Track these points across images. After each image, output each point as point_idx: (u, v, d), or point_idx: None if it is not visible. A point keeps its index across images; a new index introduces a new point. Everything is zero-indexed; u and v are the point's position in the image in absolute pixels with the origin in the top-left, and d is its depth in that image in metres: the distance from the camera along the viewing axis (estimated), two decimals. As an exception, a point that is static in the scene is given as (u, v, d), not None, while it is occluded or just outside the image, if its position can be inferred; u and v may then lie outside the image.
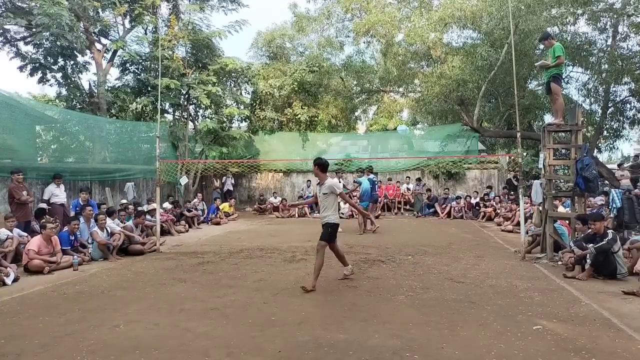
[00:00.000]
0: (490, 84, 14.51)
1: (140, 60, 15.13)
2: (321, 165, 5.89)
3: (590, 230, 6.32)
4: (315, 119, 20.48)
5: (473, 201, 15.32)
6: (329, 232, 5.73)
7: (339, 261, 6.09)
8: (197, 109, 16.79)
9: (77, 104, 14.41)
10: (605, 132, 15.92)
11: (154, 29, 15.37)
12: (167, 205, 12.25)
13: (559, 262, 6.90)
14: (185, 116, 16.22)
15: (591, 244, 6.02)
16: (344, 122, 22.44)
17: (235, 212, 15.29)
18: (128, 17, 14.93)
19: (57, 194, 9.50)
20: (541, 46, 13.94)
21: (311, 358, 3.45)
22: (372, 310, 4.67)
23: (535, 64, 9.36)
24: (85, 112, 13.76)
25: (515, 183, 12.94)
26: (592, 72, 14.23)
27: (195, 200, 14.33)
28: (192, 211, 13.09)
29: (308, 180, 17.62)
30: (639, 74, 13.32)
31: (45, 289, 5.79)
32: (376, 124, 25.57)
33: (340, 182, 12.77)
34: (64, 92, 14.39)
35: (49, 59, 13.36)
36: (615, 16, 13.34)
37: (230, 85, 17.37)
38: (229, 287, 5.71)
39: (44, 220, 7.33)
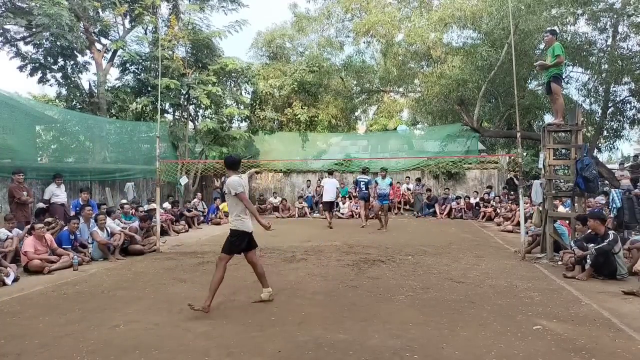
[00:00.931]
0: (490, 84, 14.50)
1: (140, 60, 15.12)
2: (226, 163, 5.11)
3: (589, 230, 6.33)
4: (315, 119, 20.47)
5: (473, 201, 15.33)
6: (231, 242, 4.90)
7: (258, 280, 5.15)
8: (197, 109, 16.78)
9: (77, 104, 14.41)
10: (605, 132, 15.90)
11: (154, 29, 15.37)
12: (166, 205, 12.25)
13: (559, 262, 6.91)
14: (185, 116, 16.22)
15: (592, 244, 6.02)
16: (344, 122, 22.43)
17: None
18: (128, 17, 14.93)
19: (58, 193, 9.50)
20: (541, 45, 13.97)
21: (311, 358, 3.46)
22: (372, 310, 4.67)
23: (535, 64, 9.38)
24: (85, 112, 13.76)
25: (516, 182, 12.94)
26: (592, 72, 14.20)
27: (195, 200, 14.34)
28: (192, 211, 13.10)
29: (308, 180, 17.62)
30: (639, 74, 13.31)
31: (45, 289, 5.79)
32: (376, 124, 25.56)
33: (330, 181, 13.17)
34: (64, 92, 14.39)
35: (49, 59, 13.36)
36: (615, 16, 13.33)
37: (230, 85, 17.37)
38: (229, 287, 5.70)
39: (35, 221, 7.35)
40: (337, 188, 13.21)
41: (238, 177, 4.91)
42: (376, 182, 12.23)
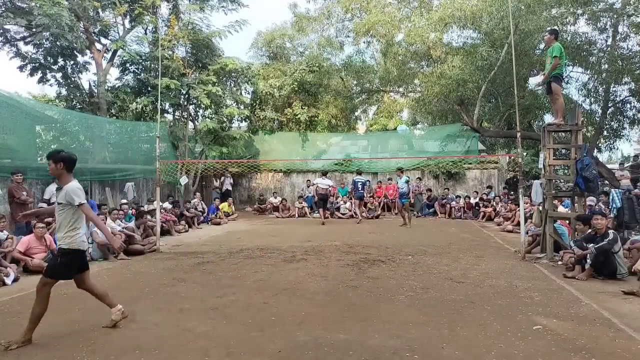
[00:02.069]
0: (490, 84, 14.48)
1: (140, 60, 15.12)
2: (68, 162, 4.10)
3: (590, 230, 6.32)
4: (315, 119, 20.48)
5: (473, 201, 15.34)
6: (58, 264, 3.94)
7: (102, 302, 4.22)
8: (197, 109, 16.78)
9: (77, 104, 14.42)
10: (605, 132, 15.88)
11: (154, 29, 15.36)
12: (167, 205, 12.26)
13: (559, 262, 6.91)
14: (185, 116, 16.22)
15: (592, 244, 6.02)
16: (344, 122, 22.44)
17: (235, 212, 15.31)
18: (128, 17, 14.93)
19: (58, 193, 9.50)
20: (541, 45, 13.91)
21: (311, 358, 3.45)
22: (372, 310, 4.67)
23: (538, 84, 9.28)
24: (85, 112, 13.77)
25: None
26: (592, 72, 14.18)
27: (195, 200, 14.35)
28: (192, 211, 13.11)
29: (307, 180, 17.62)
30: (639, 74, 13.30)
31: (45, 289, 5.78)
32: (376, 124, 25.58)
33: (324, 181, 14.19)
34: (64, 92, 14.40)
35: (49, 59, 13.37)
36: (615, 16, 13.31)
37: (230, 85, 17.36)
38: (229, 287, 5.70)
39: (34, 221, 7.35)
40: (329, 186, 14.22)
41: (77, 182, 4.12)
42: (397, 181, 13.47)
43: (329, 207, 15.48)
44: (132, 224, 9.09)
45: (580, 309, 4.66)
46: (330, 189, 14.32)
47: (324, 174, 15.01)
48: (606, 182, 12.46)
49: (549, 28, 8.64)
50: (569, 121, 7.73)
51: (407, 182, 13.08)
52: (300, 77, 18.91)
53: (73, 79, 14.16)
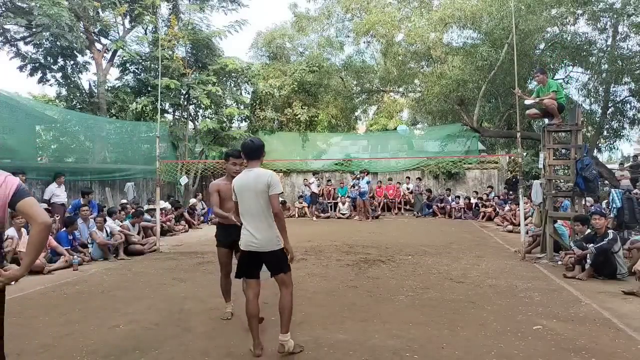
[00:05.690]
0: (490, 84, 14.47)
1: (140, 60, 15.12)
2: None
3: (590, 230, 6.32)
4: (315, 119, 20.46)
5: (473, 201, 15.34)
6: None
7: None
8: (197, 109, 16.78)
9: (77, 104, 14.42)
10: (605, 132, 15.88)
11: (154, 29, 15.37)
12: (167, 205, 12.25)
13: (559, 262, 6.91)
14: (185, 116, 16.22)
15: (592, 244, 6.02)
16: (344, 122, 22.42)
17: (235, 212, 15.30)
18: (128, 17, 14.93)
19: (58, 193, 9.49)
20: (541, 45, 13.93)
21: (311, 358, 3.46)
22: (372, 310, 4.67)
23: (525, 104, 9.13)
24: (85, 112, 13.77)
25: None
26: (592, 72, 14.20)
27: (194, 200, 14.36)
28: (193, 212, 13.13)
29: (305, 179, 17.57)
30: (639, 74, 13.30)
31: (45, 289, 5.79)
32: (376, 124, 25.56)
33: (316, 181, 16.06)
34: (64, 92, 14.41)
35: (49, 59, 13.37)
36: (615, 16, 13.32)
37: (230, 85, 17.36)
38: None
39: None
40: (318, 186, 16.05)
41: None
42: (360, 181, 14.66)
43: (323, 207, 15.98)
44: (127, 223, 9.08)
45: (580, 309, 4.66)
46: (317, 187, 16.09)
47: (314, 173, 16.63)
48: (606, 182, 12.45)
49: (539, 68, 8.59)
50: (569, 121, 7.73)
51: (368, 182, 14.66)
52: (300, 77, 18.89)
53: (73, 79, 14.16)
